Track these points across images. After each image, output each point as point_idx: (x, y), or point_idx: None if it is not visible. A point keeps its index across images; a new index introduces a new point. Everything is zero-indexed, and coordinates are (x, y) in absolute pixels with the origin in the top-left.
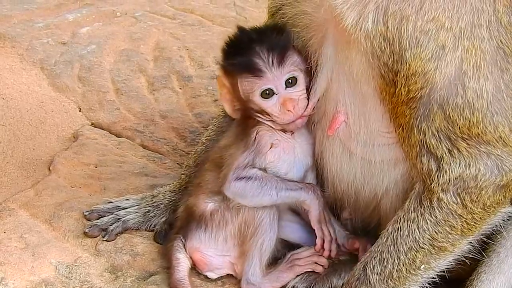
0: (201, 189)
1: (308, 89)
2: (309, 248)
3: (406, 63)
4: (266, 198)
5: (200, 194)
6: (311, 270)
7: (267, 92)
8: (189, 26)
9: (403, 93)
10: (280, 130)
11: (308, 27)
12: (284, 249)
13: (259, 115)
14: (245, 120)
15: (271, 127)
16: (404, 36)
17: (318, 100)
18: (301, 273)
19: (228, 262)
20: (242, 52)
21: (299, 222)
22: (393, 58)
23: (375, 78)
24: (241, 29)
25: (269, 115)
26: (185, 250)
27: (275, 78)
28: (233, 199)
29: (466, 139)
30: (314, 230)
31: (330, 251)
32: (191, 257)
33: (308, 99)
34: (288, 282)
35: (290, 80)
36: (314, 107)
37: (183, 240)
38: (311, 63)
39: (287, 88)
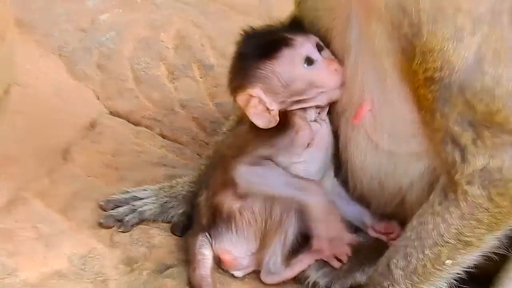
0: (225, 188)
1: None
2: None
3: (423, 37)
4: (270, 189)
5: (226, 192)
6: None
7: (308, 59)
8: (211, 14)
9: (420, 71)
10: (316, 121)
11: (332, 9)
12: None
13: (304, 97)
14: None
15: (309, 119)
16: (422, 8)
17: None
18: (322, 267)
19: (256, 259)
20: (265, 37)
21: None
22: (412, 30)
23: (396, 52)
24: (250, 28)
25: (317, 87)
26: (211, 248)
27: (305, 43)
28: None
29: (489, 127)
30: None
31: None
32: (219, 256)
33: None
34: (308, 282)
35: (317, 47)
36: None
37: (210, 238)
38: (336, 49)
39: (321, 53)
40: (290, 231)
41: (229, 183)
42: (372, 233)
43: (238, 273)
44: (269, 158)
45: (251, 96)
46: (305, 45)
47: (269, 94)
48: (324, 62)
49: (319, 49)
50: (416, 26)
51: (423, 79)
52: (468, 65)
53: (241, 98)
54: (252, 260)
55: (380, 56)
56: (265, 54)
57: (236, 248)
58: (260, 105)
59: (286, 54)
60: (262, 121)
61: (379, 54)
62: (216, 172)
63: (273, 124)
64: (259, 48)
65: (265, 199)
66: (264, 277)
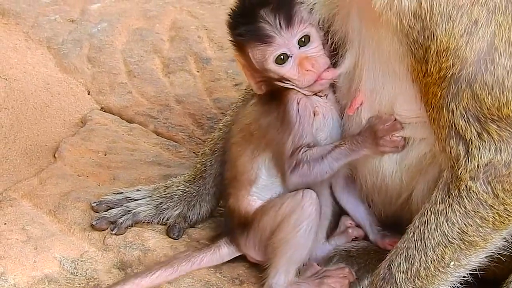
0: (238, 184)
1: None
2: (341, 268)
3: (437, 39)
4: (328, 170)
5: (241, 191)
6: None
7: (282, 57)
8: (209, 5)
9: (434, 71)
10: (314, 95)
11: (332, 1)
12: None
13: (283, 82)
14: (274, 94)
15: (304, 94)
16: (436, 11)
17: (343, 77)
18: None
19: None
20: (246, 20)
21: None
22: (424, 35)
23: (406, 56)
24: None
25: (289, 81)
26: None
27: (286, 41)
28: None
29: (496, 120)
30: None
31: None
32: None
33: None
34: None
35: (303, 39)
36: (337, 77)
37: (229, 243)
38: (335, 40)
39: (301, 48)
40: (298, 251)
41: (239, 179)
42: (372, 238)
43: None
44: (300, 146)
45: (240, 60)
46: (281, 45)
47: (250, 68)
48: (297, 60)
49: (304, 41)
50: (428, 29)
51: (437, 78)
52: (481, 57)
53: (236, 57)
54: None
55: (388, 58)
56: (246, 39)
57: (253, 253)
58: (247, 70)
59: (261, 48)
60: (251, 84)
61: (387, 56)
62: (226, 170)
63: (260, 92)
64: (244, 27)
65: (275, 213)
66: None
